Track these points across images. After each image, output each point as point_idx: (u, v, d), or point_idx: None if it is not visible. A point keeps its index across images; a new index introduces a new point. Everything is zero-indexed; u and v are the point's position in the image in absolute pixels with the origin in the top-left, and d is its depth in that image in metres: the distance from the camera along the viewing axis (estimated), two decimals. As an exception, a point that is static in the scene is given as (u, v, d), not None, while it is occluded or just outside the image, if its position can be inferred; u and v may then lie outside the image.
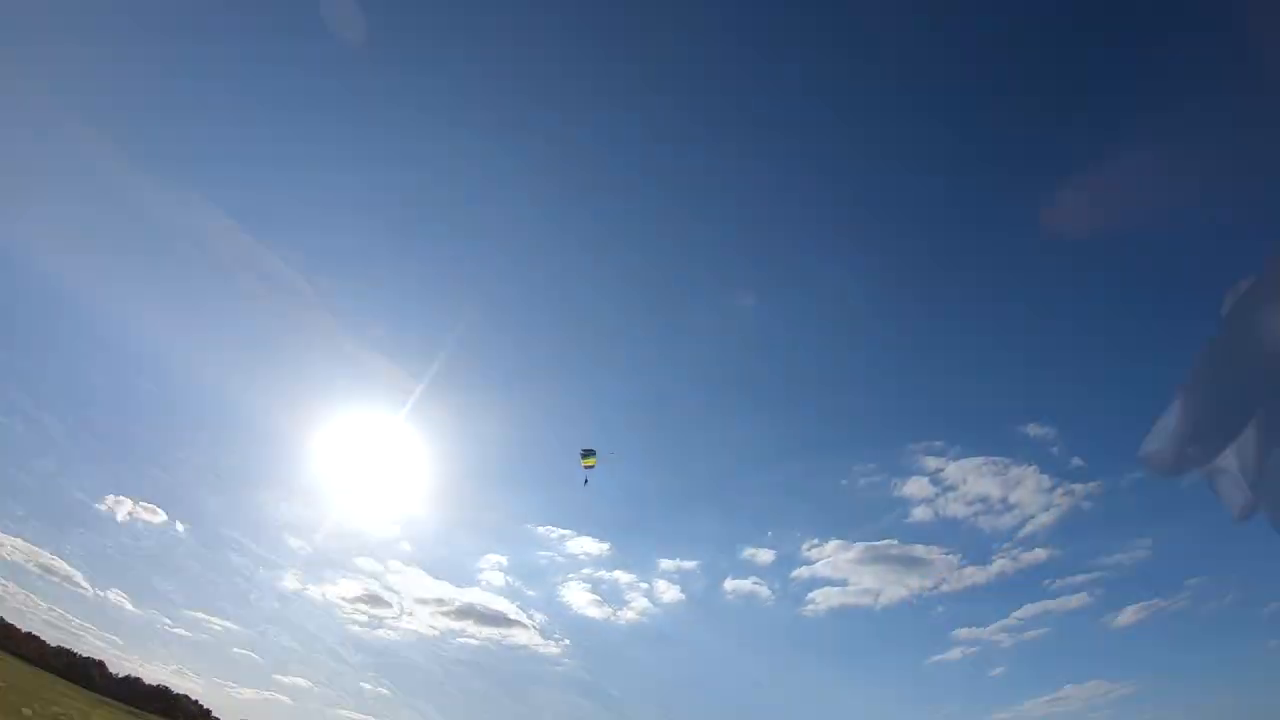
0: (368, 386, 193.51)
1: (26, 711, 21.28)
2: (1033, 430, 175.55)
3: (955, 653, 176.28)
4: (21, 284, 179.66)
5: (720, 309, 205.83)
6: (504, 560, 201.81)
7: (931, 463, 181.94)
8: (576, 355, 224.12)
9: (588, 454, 33.07)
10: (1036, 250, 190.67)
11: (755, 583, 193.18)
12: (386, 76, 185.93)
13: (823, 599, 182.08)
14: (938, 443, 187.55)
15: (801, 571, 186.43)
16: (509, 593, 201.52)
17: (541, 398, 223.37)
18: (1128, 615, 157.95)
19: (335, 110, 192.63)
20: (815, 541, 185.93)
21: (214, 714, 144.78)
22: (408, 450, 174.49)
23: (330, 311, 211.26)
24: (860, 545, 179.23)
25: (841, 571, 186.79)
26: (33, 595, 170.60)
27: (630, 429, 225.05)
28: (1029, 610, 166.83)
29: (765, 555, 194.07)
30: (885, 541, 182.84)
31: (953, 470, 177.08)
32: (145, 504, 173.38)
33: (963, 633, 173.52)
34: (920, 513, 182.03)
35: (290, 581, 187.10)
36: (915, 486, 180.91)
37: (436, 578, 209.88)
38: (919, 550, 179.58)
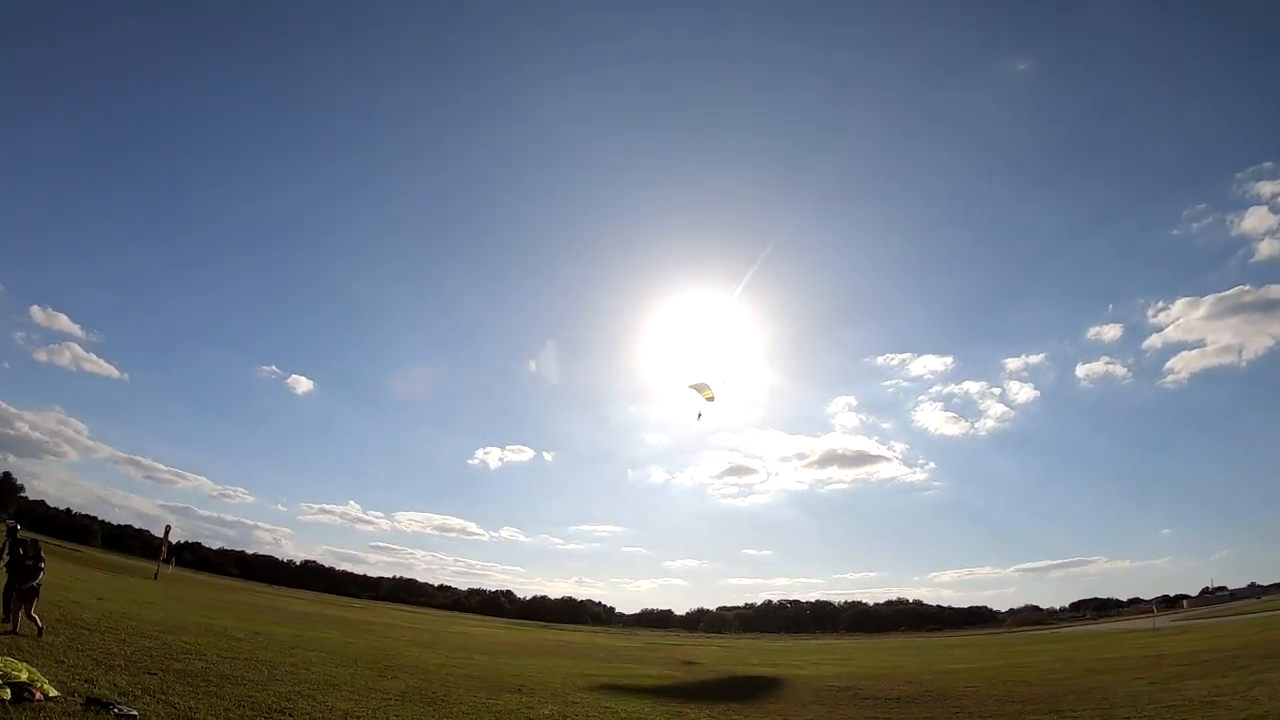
0: (698, 269, 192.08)
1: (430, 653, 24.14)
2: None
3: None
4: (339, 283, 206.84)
5: (990, 78, 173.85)
6: (852, 400, 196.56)
7: (1267, 188, 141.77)
8: (872, 178, 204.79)
9: (702, 387, 30.32)
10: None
11: (1107, 363, 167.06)
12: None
13: (1182, 366, 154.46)
14: (1268, 164, 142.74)
15: (1153, 341, 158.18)
16: (865, 430, 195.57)
17: (844, 223, 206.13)
18: None
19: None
20: (1160, 305, 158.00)
21: (617, 610, 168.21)
22: (740, 318, 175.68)
23: (653, 210, 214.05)
24: (1209, 299, 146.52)
25: (1195, 332, 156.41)
26: (438, 554, 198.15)
27: (940, 227, 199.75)
28: None
29: (1111, 331, 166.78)
30: (1235, 289, 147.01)
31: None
32: (512, 446, 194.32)
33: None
34: (1266, 248, 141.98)
35: (658, 475, 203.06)
36: (1254, 219, 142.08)
37: (792, 433, 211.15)
38: (1275, 291, 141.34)
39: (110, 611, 18.30)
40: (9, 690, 7.76)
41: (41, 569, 13.19)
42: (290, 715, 9.43)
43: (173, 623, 18.74)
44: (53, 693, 8.24)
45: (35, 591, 12.99)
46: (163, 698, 9.14)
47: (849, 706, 16.57)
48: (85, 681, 9.33)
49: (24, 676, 8.26)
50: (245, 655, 14.76)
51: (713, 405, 30.93)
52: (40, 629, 12.66)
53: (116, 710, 7.97)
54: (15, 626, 12.55)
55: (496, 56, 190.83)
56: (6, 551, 13.42)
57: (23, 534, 14.12)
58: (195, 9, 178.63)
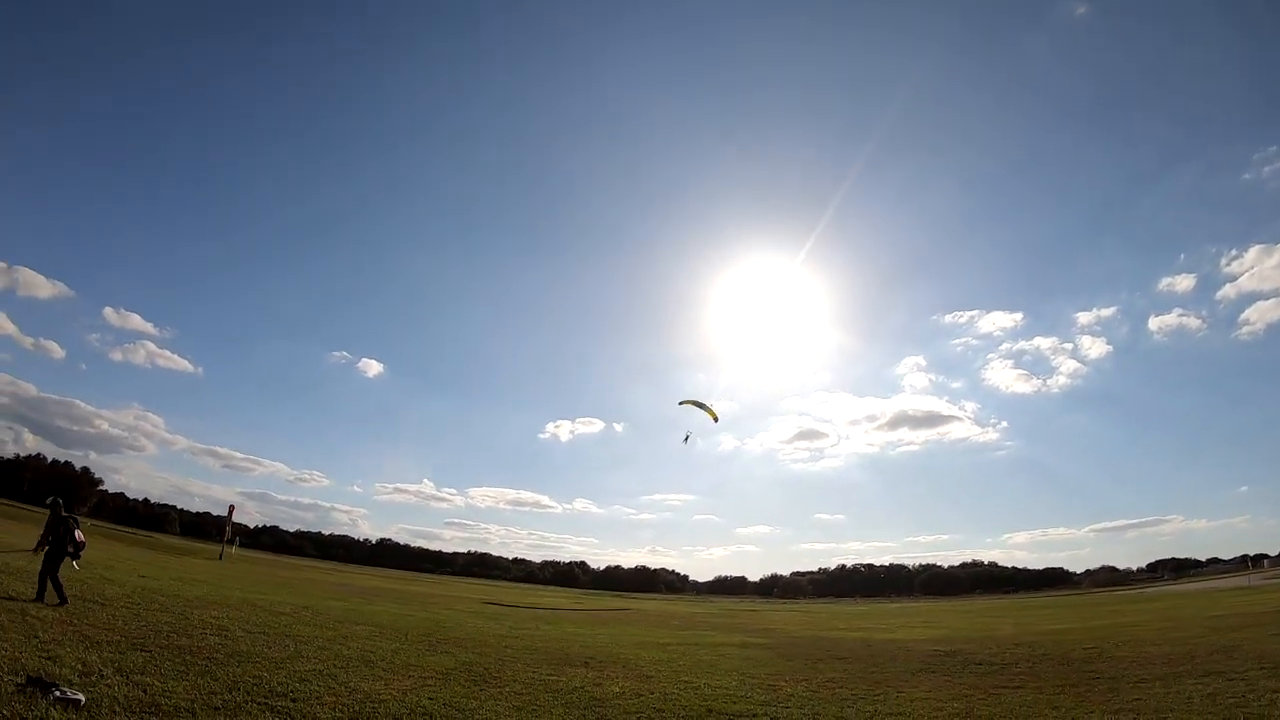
0: (761, 234, 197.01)
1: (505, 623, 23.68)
2: None
3: None
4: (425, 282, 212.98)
5: (1049, 22, 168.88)
6: (921, 360, 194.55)
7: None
8: (931, 132, 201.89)
9: (701, 405, 29.16)
10: None
11: (1180, 314, 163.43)
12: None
13: (1257, 316, 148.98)
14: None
15: (1227, 291, 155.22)
16: (935, 390, 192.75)
17: (904, 179, 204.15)
18: None
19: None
20: (1233, 253, 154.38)
21: (691, 578, 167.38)
22: (805, 281, 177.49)
23: (714, 177, 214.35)
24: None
25: (1270, 281, 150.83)
26: (511, 528, 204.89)
27: (1002, 179, 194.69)
28: None
29: (1184, 281, 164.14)
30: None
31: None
32: (582, 420, 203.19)
33: None
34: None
35: (728, 442, 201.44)
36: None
37: (861, 396, 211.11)
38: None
39: (144, 588, 17.02)
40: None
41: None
42: (292, 699, 7.45)
43: (211, 598, 17.40)
44: (-17, 674, 6.45)
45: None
46: (137, 678, 7.30)
47: (967, 674, 14.16)
48: (47, 659, 7.57)
49: (-44, 655, 6.50)
50: (278, 630, 13.14)
51: (713, 426, 29.68)
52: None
53: (57, 693, 6.12)
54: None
55: (552, 28, 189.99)
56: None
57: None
58: (250, 15, 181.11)
